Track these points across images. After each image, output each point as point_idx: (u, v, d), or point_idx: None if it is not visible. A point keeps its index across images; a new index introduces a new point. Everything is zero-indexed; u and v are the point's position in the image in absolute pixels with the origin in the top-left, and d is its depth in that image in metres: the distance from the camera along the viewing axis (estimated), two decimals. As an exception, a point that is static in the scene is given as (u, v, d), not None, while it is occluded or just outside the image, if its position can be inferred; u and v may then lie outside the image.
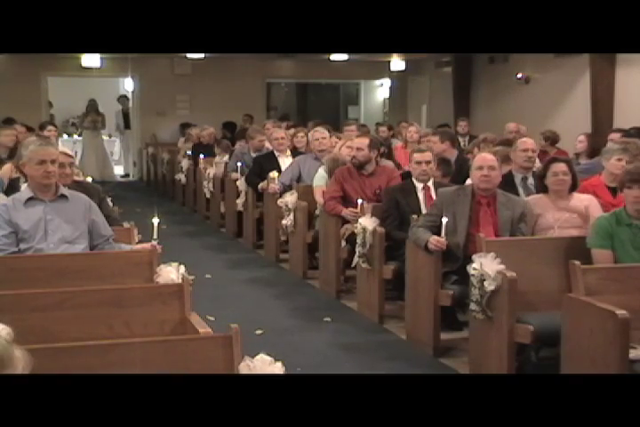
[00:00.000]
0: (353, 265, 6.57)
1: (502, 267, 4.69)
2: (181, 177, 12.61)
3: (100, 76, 16.46)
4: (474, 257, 4.84)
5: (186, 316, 3.71)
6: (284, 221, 8.00)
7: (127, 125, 17.06)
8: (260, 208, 9.15)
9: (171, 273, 4.40)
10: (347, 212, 6.84)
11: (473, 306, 4.84)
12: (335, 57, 15.96)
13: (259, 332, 5.98)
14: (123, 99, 16.99)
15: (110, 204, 7.00)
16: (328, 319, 6.39)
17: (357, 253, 6.37)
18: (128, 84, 16.89)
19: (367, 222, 6.27)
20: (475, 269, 4.78)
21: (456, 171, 7.25)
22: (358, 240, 6.32)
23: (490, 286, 4.69)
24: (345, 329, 6.15)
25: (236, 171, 9.73)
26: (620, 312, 3.79)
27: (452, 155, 7.92)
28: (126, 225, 5.65)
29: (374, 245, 6.21)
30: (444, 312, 5.63)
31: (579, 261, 4.21)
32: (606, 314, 3.86)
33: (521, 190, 6.21)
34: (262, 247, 9.20)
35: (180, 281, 4.31)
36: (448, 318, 5.81)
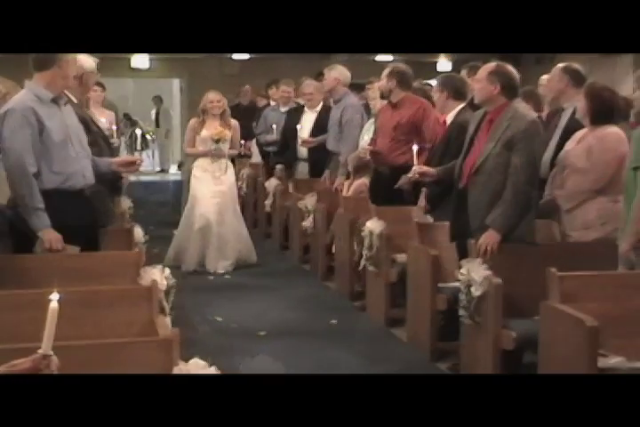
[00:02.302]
0: (360, 268, 6.59)
1: (489, 273, 4.67)
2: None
3: (148, 77, 16.76)
4: (462, 262, 4.83)
5: (153, 318, 3.78)
6: (304, 223, 8.07)
7: (157, 124, 17.50)
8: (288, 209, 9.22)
9: (154, 275, 4.48)
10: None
11: (461, 311, 4.83)
12: (381, 57, 15.93)
13: (262, 333, 6.05)
14: (156, 99, 17.31)
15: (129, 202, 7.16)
16: (334, 322, 6.42)
17: (364, 256, 6.39)
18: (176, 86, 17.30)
19: (374, 225, 6.28)
20: (462, 274, 4.77)
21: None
22: (365, 243, 6.34)
23: (476, 291, 4.68)
24: (348, 332, 6.17)
25: (268, 132, 10.06)
26: (589, 321, 3.75)
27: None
28: (137, 228, 5.74)
29: (381, 248, 6.22)
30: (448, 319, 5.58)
31: (555, 268, 4.17)
32: (577, 322, 3.83)
33: None
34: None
35: (164, 283, 4.42)
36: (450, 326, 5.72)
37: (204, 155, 8.31)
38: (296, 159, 9.19)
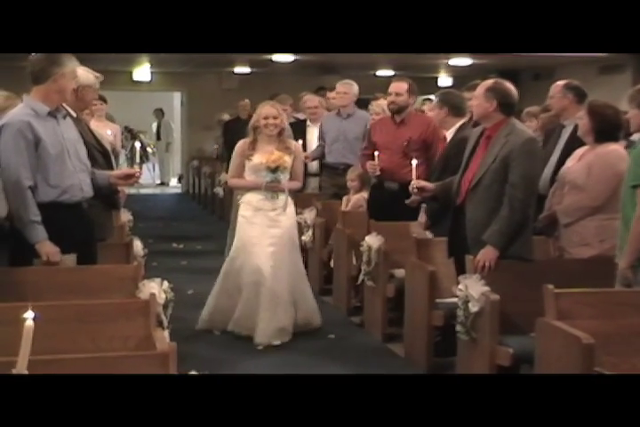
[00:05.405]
0: (358, 282, 6.61)
1: (487, 289, 4.68)
2: (219, 191, 12.76)
3: (150, 90, 16.85)
4: (460, 278, 4.84)
5: (151, 332, 3.79)
6: (303, 237, 8.08)
7: (158, 137, 17.73)
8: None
9: (153, 289, 4.48)
10: (367, 166, 6.94)
11: (458, 327, 4.83)
12: (381, 73, 15.99)
13: (259, 347, 6.04)
14: (157, 112, 17.49)
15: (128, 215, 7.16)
16: (332, 336, 6.42)
17: (362, 271, 6.40)
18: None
19: (372, 241, 6.29)
20: (460, 290, 4.78)
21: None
22: (363, 258, 6.36)
23: (474, 307, 4.69)
24: (345, 347, 6.16)
25: None
26: (585, 338, 3.75)
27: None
28: (137, 241, 5.76)
29: (379, 263, 6.24)
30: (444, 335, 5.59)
31: (552, 285, 4.17)
32: (572, 339, 3.82)
33: None
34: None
35: (162, 297, 4.43)
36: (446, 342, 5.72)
37: (254, 188, 6.34)
38: (305, 175, 9.14)
